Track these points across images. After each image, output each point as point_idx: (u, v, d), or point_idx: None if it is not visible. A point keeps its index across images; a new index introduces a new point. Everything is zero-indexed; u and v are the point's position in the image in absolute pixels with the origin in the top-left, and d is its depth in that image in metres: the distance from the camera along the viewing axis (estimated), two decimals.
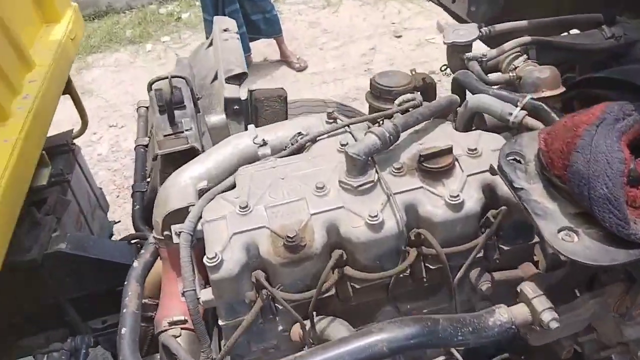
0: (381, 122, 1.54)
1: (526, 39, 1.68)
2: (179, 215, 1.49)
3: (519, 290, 1.17)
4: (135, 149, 2.79)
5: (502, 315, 1.11)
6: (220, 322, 1.33)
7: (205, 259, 1.24)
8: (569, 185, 0.96)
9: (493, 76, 1.62)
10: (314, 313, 1.29)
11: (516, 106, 1.46)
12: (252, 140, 1.57)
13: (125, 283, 1.62)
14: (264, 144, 1.56)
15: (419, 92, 1.66)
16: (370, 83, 1.64)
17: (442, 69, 1.76)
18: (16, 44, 2.07)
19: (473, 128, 1.58)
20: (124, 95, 6.70)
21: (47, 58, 2.25)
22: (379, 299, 1.43)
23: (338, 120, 1.60)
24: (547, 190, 1.03)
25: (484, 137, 1.45)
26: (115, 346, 2.32)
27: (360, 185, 1.34)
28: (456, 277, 1.31)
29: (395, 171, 1.37)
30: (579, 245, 0.93)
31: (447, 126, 1.52)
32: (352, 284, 1.35)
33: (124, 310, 1.53)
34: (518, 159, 1.11)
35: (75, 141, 2.88)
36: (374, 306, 1.45)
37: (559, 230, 0.97)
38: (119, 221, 3.30)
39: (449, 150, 1.36)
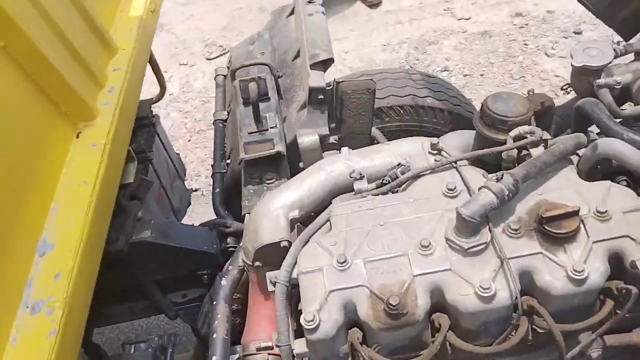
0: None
1: None
2: (271, 249, 1.44)
3: None
4: (214, 123, 2.73)
5: None
6: None
7: (302, 321, 1.20)
8: None
9: (628, 110, 1.40)
10: None
11: None
12: (348, 174, 1.46)
13: (214, 303, 1.62)
14: (361, 177, 1.45)
15: (534, 118, 1.47)
16: (482, 107, 1.46)
17: (564, 88, 1.54)
18: (96, 27, 1.97)
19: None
20: (193, 30, 6.60)
21: (129, 39, 2.16)
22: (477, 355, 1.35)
23: (443, 152, 1.45)
24: None
25: (614, 193, 1.27)
26: (193, 318, 2.43)
27: (472, 247, 1.22)
28: (569, 354, 1.20)
29: (512, 232, 1.24)
30: None
31: (571, 172, 1.35)
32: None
33: (214, 336, 1.53)
34: None
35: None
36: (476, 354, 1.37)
37: None
38: (197, 189, 3.33)
39: (575, 213, 1.20)
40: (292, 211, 1.48)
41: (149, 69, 2.82)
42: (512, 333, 1.23)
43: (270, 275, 1.32)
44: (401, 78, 2.88)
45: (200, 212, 4.24)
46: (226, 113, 2.70)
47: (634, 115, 1.41)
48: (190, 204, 3.04)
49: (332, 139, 2.28)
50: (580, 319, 1.23)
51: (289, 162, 1.96)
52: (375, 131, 2.37)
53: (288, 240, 1.42)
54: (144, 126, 2.63)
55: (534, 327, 1.27)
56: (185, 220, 3.73)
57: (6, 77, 1.50)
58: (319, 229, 1.39)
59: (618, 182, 1.48)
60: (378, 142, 2.32)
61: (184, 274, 2.35)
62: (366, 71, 3.01)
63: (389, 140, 2.61)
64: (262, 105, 2.04)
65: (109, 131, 1.78)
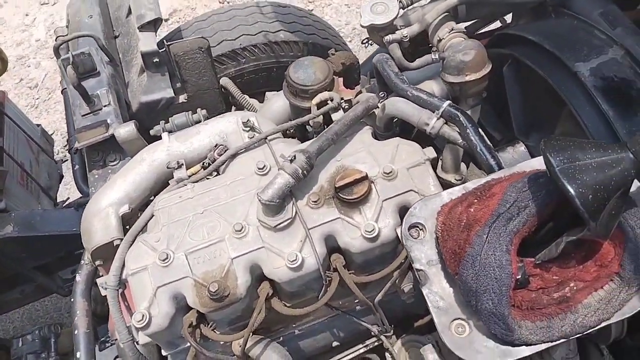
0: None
1: (452, 1, 1.51)
2: (105, 249, 1.50)
3: (421, 353, 1.26)
4: (62, 92, 2.62)
5: None
6: (163, 353, 1.44)
7: (133, 321, 1.30)
8: (460, 288, 0.98)
9: (416, 62, 1.49)
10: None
11: (434, 112, 1.38)
12: (166, 165, 1.50)
13: (72, 300, 1.69)
14: (179, 166, 1.49)
15: (339, 78, 1.54)
16: (285, 78, 1.51)
17: (364, 42, 1.60)
18: None
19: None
20: None
21: None
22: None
23: (255, 128, 1.51)
24: (445, 273, 1.06)
25: (401, 150, 1.39)
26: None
27: (279, 224, 1.33)
28: (375, 299, 1.38)
29: (313, 204, 1.35)
30: (467, 340, 0.99)
31: (366, 134, 1.45)
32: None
33: (76, 332, 1.62)
34: (421, 227, 1.10)
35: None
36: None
37: (452, 320, 1.02)
38: (66, 160, 3.23)
39: (364, 179, 1.33)
40: (121, 207, 1.52)
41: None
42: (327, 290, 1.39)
43: (100, 281, 1.39)
44: (251, 14, 2.81)
45: None
46: None
47: (423, 65, 1.51)
48: (62, 177, 2.97)
49: (182, 99, 2.27)
50: (387, 264, 1.40)
51: (144, 125, 1.94)
52: (225, 81, 2.37)
53: (119, 238, 1.47)
54: None
55: None
56: (69, 188, 3.66)
57: None
58: (145, 225, 1.45)
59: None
60: (230, 92, 2.33)
61: (61, 256, 2.38)
62: (215, 10, 2.89)
63: (248, 82, 2.63)
64: (91, 81, 1.98)
65: None
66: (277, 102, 1.71)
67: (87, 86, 1.94)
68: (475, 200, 0.99)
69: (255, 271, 1.36)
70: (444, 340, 1.01)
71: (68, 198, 3.24)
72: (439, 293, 1.05)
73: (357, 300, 1.58)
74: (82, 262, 1.73)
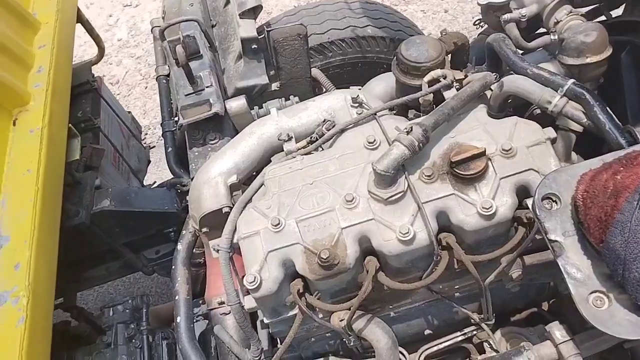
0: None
1: None
2: (214, 216, 1.53)
3: (547, 330, 1.21)
4: (157, 79, 2.71)
5: (529, 357, 1.17)
6: (265, 320, 1.45)
7: (245, 282, 1.32)
8: (604, 258, 0.94)
9: (534, 43, 1.46)
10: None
11: (557, 91, 1.34)
12: (277, 135, 1.53)
13: (173, 268, 1.73)
14: (289, 139, 1.51)
15: (449, 57, 1.53)
16: (396, 55, 1.51)
17: (477, 23, 1.58)
18: (12, 6, 1.93)
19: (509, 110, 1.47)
20: None
21: (50, 10, 2.11)
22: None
23: (364, 105, 1.52)
24: (582, 245, 1.01)
25: (520, 129, 1.36)
26: (169, 272, 2.56)
27: (390, 197, 1.33)
28: (487, 281, 1.35)
29: (426, 178, 1.34)
30: (607, 313, 0.95)
31: (481, 112, 1.43)
32: None
33: (176, 298, 1.66)
34: (554, 199, 1.07)
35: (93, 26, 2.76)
36: (408, 290, 1.52)
37: (591, 293, 0.97)
38: (154, 146, 3.35)
39: (481, 154, 1.30)
40: (229, 177, 1.56)
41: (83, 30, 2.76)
42: (436, 267, 1.36)
43: (212, 243, 1.42)
44: (340, 9, 2.86)
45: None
46: (167, 68, 2.68)
47: (540, 46, 1.47)
48: (150, 161, 3.08)
49: (274, 86, 2.32)
50: (498, 246, 1.37)
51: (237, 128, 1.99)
52: (315, 72, 2.40)
53: (229, 206, 1.51)
54: (86, 92, 2.61)
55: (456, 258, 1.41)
56: (154, 174, 3.79)
57: None
58: (255, 193, 1.48)
59: (533, 111, 1.57)
60: (320, 84, 2.36)
61: (152, 234, 2.46)
62: (304, 6, 2.95)
63: (333, 76, 2.66)
64: (194, 63, 2.05)
65: (44, 114, 1.80)
66: (379, 85, 1.71)
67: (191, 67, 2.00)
68: (622, 168, 0.95)
69: (364, 243, 1.36)
70: (582, 312, 0.97)
71: (155, 182, 3.35)
72: (576, 264, 1.01)
73: (457, 287, 1.55)
74: (184, 231, 1.77)
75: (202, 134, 1.96)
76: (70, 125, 2.06)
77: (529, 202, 1.10)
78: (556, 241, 1.04)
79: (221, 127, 1.96)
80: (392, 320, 1.59)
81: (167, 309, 2.69)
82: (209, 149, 1.93)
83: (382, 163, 1.28)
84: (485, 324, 1.51)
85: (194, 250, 1.92)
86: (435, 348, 1.58)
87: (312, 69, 2.42)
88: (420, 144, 1.30)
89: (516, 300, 1.69)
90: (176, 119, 2.56)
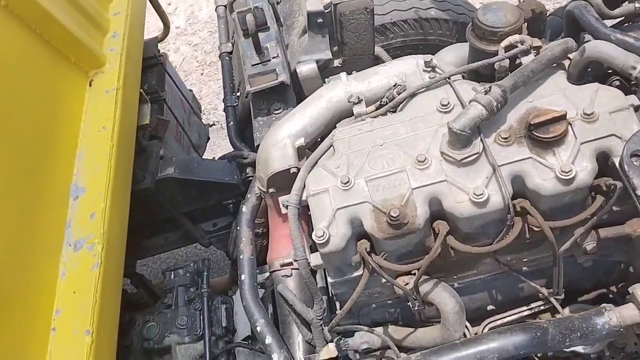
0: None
1: None
2: (281, 176, 1.55)
3: (630, 292, 1.16)
4: (220, 56, 2.77)
5: (611, 318, 1.13)
6: (329, 280, 1.45)
7: (314, 236, 1.32)
8: None
9: (617, 10, 1.41)
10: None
11: None
12: (347, 97, 1.53)
13: (237, 229, 1.76)
14: (359, 101, 1.51)
15: (526, 25, 1.49)
16: (473, 20, 1.49)
17: None
18: None
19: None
20: None
21: None
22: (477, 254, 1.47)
23: (437, 69, 1.50)
24: None
25: (601, 95, 1.32)
26: (225, 244, 2.61)
27: (465, 158, 1.31)
28: (561, 248, 1.31)
29: (502, 140, 1.31)
30: None
31: (561, 77, 1.38)
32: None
33: (241, 257, 1.69)
34: None
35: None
36: (474, 259, 1.50)
37: None
38: (214, 124, 3.42)
39: (562, 117, 1.26)
40: (297, 139, 1.57)
41: (150, 8, 2.84)
42: (509, 233, 1.33)
43: (282, 199, 1.43)
44: None
45: (222, 145, 4.36)
46: (231, 45, 2.73)
47: (625, 13, 1.42)
48: (209, 138, 3.15)
49: (337, 62, 2.32)
50: (573, 215, 1.33)
51: (296, 89, 2.02)
52: (378, 50, 2.39)
53: (296, 167, 1.52)
54: (152, 66, 2.69)
55: (529, 226, 1.38)
56: (208, 154, 3.87)
57: (12, 35, 1.57)
58: (324, 154, 1.48)
59: (611, 83, 1.51)
60: (383, 61, 2.35)
61: (211, 205, 2.50)
62: None
63: (393, 58, 2.64)
64: (261, 35, 2.08)
65: (119, 76, 1.86)
66: (450, 54, 1.69)
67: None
68: None
69: (434, 206, 1.34)
70: None
71: (214, 157, 3.42)
72: None
73: (525, 260, 1.51)
74: (248, 195, 1.80)
75: (267, 104, 1.98)
76: (141, 90, 2.12)
77: (616, 160, 1.06)
78: None
79: (285, 97, 1.97)
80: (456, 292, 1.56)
81: (223, 281, 2.74)
82: (273, 118, 1.95)
83: (459, 122, 1.27)
84: (555, 299, 1.46)
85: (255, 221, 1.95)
86: (499, 322, 1.55)
87: (375, 47, 2.42)
88: (499, 105, 1.28)
89: (584, 279, 1.63)
90: (238, 94, 2.61)
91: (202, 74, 5.38)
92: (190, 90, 3.20)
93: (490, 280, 1.57)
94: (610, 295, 1.67)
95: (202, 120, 3.23)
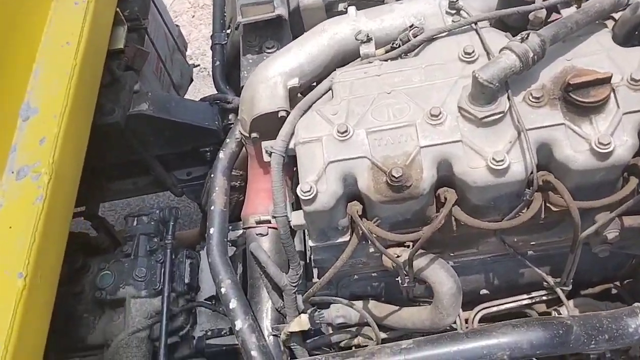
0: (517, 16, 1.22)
1: None
2: (267, 119, 1.34)
3: None
4: None
5: None
6: (310, 243, 1.26)
7: (298, 191, 1.12)
8: None
9: None
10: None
11: None
12: (353, 34, 1.31)
13: (212, 176, 1.56)
14: (368, 40, 1.29)
15: None
16: None
17: None
18: None
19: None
20: None
21: None
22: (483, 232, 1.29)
23: (462, 12, 1.28)
24: None
25: None
26: (199, 196, 2.39)
27: (487, 117, 1.10)
28: (583, 233, 1.13)
29: (533, 100, 1.11)
30: None
31: (605, 36, 1.18)
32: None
33: (212, 208, 1.48)
34: None
35: None
36: (477, 236, 1.32)
37: None
38: (198, 65, 3.16)
39: (606, 80, 1.07)
40: (291, 79, 1.35)
41: None
42: (524, 210, 1.15)
43: (266, 144, 1.23)
44: None
45: (206, 92, 4.10)
46: None
47: None
48: (192, 80, 2.90)
49: (342, 6, 2.08)
50: (600, 197, 1.14)
51: (295, 31, 1.79)
52: None
53: (286, 110, 1.30)
54: None
55: (547, 204, 1.19)
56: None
57: None
58: (321, 97, 1.27)
59: None
60: None
61: (186, 151, 2.28)
62: None
63: None
64: None
65: None
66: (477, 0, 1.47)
67: None
68: None
69: (443, 170, 1.14)
70: None
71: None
72: None
73: (533, 243, 1.33)
74: (228, 139, 1.58)
75: (259, 40, 1.75)
76: (117, 10, 1.86)
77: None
78: None
79: (281, 35, 1.74)
80: None
81: (192, 235, 2.54)
82: (265, 57, 1.72)
83: (487, 71, 1.06)
84: (561, 289, 1.29)
85: (233, 171, 1.74)
86: (494, 309, 1.38)
87: None
88: (535, 57, 1.07)
89: (592, 271, 1.47)
90: (228, 31, 2.36)
91: (193, 16, 5.05)
92: (177, 26, 2.93)
93: (490, 263, 1.40)
94: (614, 291, 1.52)
95: (187, 60, 2.97)
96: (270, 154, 1.21)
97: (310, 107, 1.25)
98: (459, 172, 1.12)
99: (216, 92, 2.23)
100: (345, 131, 1.15)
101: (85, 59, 1.49)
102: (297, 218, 1.22)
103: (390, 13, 1.35)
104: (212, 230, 1.43)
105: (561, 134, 1.09)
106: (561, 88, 1.10)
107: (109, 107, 1.95)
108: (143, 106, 2.04)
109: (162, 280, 1.72)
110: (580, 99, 1.07)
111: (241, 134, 1.46)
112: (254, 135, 1.37)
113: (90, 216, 2.38)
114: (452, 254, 1.35)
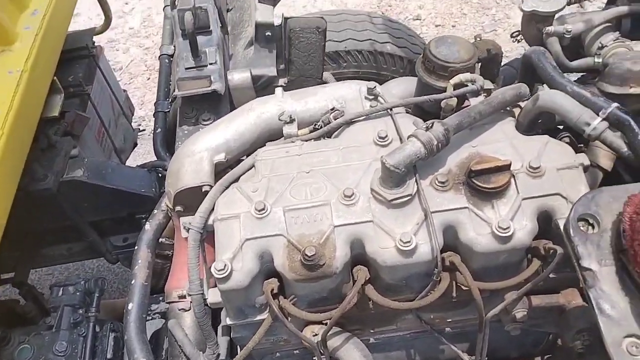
0: (430, 101, 1.31)
1: (622, 9, 1.35)
2: (191, 193, 1.35)
3: None
4: (159, 58, 2.57)
5: None
6: (228, 322, 1.25)
7: (212, 269, 1.13)
8: None
9: (576, 62, 1.32)
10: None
11: (597, 115, 1.19)
12: (277, 115, 1.36)
13: (136, 248, 1.54)
14: (291, 121, 1.35)
15: (479, 65, 1.39)
16: (424, 52, 1.37)
17: (515, 35, 1.45)
18: None
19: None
20: None
21: None
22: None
23: (379, 98, 1.36)
24: (620, 278, 0.85)
25: (551, 149, 1.21)
26: None
27: (395, 199, 1.16)
28: (489, 314, 1.17)
29: (439, 184, 1.17)
30: None
31: (509, 125, 1.27)
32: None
33: (133, 282, 1.46)
34: (592, 222, 0.90)
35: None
36: (394, 313, 1.34)
37: (626, 337, 0.80)
38: (144, 130, 3.18)
39: (506, 167, 1.14)
40: (217, 154, 1.38)
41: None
42: (433, 289, 1.19)
43: (184, 220, 1.24)
44: (361, 21, 2.74)
45: (153, 155, 4.10)
46: (173, 48, 2.54)
47: (583, 67, 1.34)
48: (136, 144, 2.90)
49: (282, 82, 2.16)
50: (506, 278, 1.19)
51: (239, 102, 1.84)
52: (327, 75, 2.25)
53: (210, 185, 1.33)
54: (82, 57, 2.46)
55: (458, 284, 1.23)
56: (132, 162, 3.60)
57: None
58: (243, 174, 1.30)
59: (560, 139, 1.42)
60: None
61: (122, 217, 2.26)
62: (325, 12, 2.84)
63: None
64: (202, 39, 1.90)
65: (28, 57, 1.63)
66: (398, 86, 1.57)
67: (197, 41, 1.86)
68: None
69: (356, 249, 1.18)
70: (613, 358, 0.79)
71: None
72: (611, 299, 0.84)
73: (449, 320, 1.36)
74: (155, 210, 1.58)
75: (196, 112, 1.80)
76: (55, 78, 1.88)
77: (561, 222, 0.94)
78: (589, 269, 0.87)
79: (218, 108, 1.79)
80: (371, 348, 1.38)
81: (124, 304, 2.46)
82: (200, 129, 1.76)
83: (394, 157, 1.12)
84: None
85: (164, 240, 1.73)
86: None
87: (324, 72, 2.29)
88: (439, 144, 1.14)
89: (509, 347, 1.51)
90: (171, 99, 2.40)
91: (148, 78, 5.12)
92: (125, 91, 2.96)
93: (410, 339, 1.42)
94: None
95: (133, 125, 2.98)
96: (187, 230, 1.21)
97: (232, 183, 1.27)
98: (370, 252, 1.15)
99: (156, 159, 2.25)
100: (263, 209, 1.18)
101: (13, 129, 1.49)
102: (213, 296, 1.22)
103: (314, 96, 1.42)
104: (130, 306, 1.40)
105: (465, 217, 1.15)
106: (465, 173, 1.17)
107: (42, 174, 1.93)
108: (78, 172, 2.03)
109: (82, 356, 1.65)
110: (481, 184, 1.14)
111: (167, 206, 1.46)
112: (178, 208, 1.38)
113: (18, 283, 2.29)
114: (372, 331, 1.36)
